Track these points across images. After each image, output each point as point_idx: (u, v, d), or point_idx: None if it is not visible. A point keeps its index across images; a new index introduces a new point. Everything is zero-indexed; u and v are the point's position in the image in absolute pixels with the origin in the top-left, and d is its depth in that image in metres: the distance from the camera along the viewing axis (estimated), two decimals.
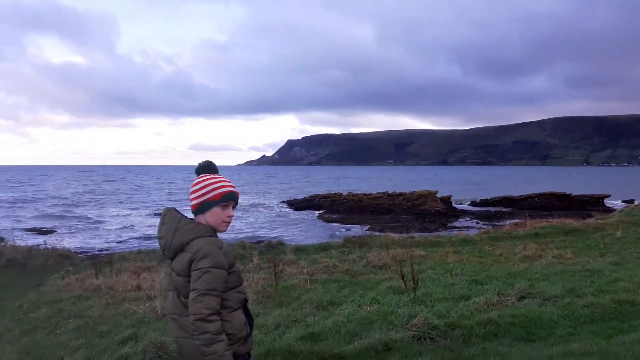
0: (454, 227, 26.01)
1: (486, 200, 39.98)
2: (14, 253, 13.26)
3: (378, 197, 35.88)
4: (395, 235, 14.54)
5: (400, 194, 35.78)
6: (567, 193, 37.63)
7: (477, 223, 28.20)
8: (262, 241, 15.22)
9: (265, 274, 9.11)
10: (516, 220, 23.45)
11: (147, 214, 35.44)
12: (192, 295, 2.14)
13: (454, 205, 36.01)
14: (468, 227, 25.54)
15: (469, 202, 40.78)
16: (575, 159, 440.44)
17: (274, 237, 18.41)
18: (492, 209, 36.36)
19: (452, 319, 5.78)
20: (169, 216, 2.35)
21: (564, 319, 5.77)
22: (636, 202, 34.63)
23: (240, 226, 27.86)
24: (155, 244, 19.65)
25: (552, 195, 37.36)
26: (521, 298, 6.67)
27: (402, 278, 7.17)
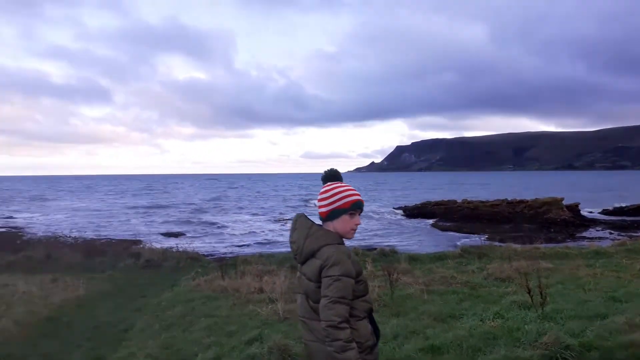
0: (584, 238, 23.89)
1: (621, 208, 36.20)
2: (151, 255, 14.73)
3: (496, 205, 34.14)
4: (517, 246, 13.76)
5: (521, 202, 33.70)
6: None
7: (611, 234, 25.63)
8: (375, 248, 15.25)
9: (379, 282, 9.11)
10: None
11: (266, 220, 37.18)
12: (323, 302, 2.21)
13: (582, 213, 33.07)
14: (600, 238, 23.31)
15: (600, 211, 37.21)
16: None
17: (387, 245, 18.32)
18: (627, 218, 32.80)
19: (588, 338, 5.32)
20: (300, 222, 2.45)
21: None
22: None
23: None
24: (275, 249, 20.61)
25: None
26: None
27: (529, 292, 6.75)
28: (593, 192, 69.35)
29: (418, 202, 42.33)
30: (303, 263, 2.38)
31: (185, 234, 28.24)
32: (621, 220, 31.28)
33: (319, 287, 2.26)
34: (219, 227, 32.37)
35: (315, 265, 2.28)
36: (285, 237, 26.90)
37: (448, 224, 31.51)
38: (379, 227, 31.46)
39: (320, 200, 2.49)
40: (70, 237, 19.85)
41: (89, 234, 24.16)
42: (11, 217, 38.78)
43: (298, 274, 2.45)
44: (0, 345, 6.73)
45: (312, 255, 2.32)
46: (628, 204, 36.94)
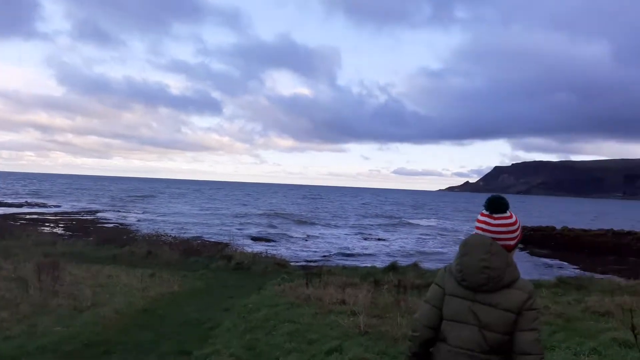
0: None
1: None
2: (242, 258, 15.39)
3: (600, 234, 31.58)
4: (621, 280, 12.66)
5: (630, 233, 30.89)
6: None
7: None
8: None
9: None
10: None
11: (353, 234, 37.34)
12: (533, 335, 2.13)
13: None
14: None
15: None
16: None
17: None
18: None
19: None
20: (497, 247, 2.22)
21: None
22: None
23: (433, 251, 27.42)
24: (358, 262, 20.61)
25: None
26: None
27: (633, 330, 6.19)
28: None
29: None
30: (492, 291, 2.17)
31: (274, 240, 29.18)
32: None
33: (516, 320, 2.14)
34: (305, 236, 33.04)
35: (516, 296, 2.15)
36: (371, 251, 26.95)
37: (544, 251, 29.66)
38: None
39: (510, 232, 2.28)
40: (170, 236, 21.25)
41: (188, 235, 25.74)
42: (123, 213, 42.43)
43: (469, 303, 2.19)
44: (100, 330, 7.38)
45: (509, 285, 2.17)
46: None
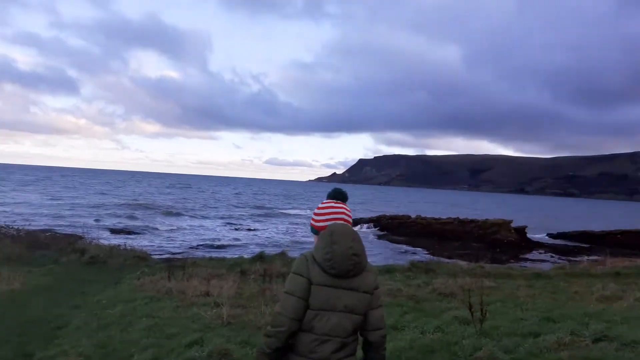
0: (527, 260, 24.82)
1: (564, 233, 37.78)
2: (97, 251, 14.27)
3: (448, 223, 35.00)
4: (463, 264, 14.14)
5: (472, 221, 34.69)
6: None
7: (552, 257, 26.71)
8: None
9: None
10: (595, 257, 22.04)
11: (221, 224, 36.75)
12: (381, 311, 2.37)
13: (528, 236, 34.33)
14: (542, 261, 24.27)
15: (545, 235, 38.73)
16: None
17: None
18: (569, 243, 34.30)
19: (520, 355, 5.54)
20: (357, 235, 2.32)
21: None
22: None
23: (304, 241, 28.22)
24: (226, 253, 20.34)
25: (639, 233, 34.59)
26: (596, 340, 6.24)
27: (470, 309, 6.95)
28: (541, 216, 72.10)
29: (373, 215, 42.85)
30: (353, 277, 2.24)
31: (135, 232, 27.57)
32: (563, 245, 32.68)
33: (370, 299, 2.28)
34: (171, 228, 31.76)
35: (370, 278, 2.29)
36: (241, 242, 26.76)
37: (400, 238, 32.06)
38: None
39: (351, 218, 2.50)
40: (12, 228, 18.97)
41: (34, 227, 23.18)
42: None
43: (336, 290, 2.22)
44: None
45: (365, 269, 2.29)
46: (571, 230, 38.58)
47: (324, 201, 2.52)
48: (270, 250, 18.33)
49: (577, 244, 33.85)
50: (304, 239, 30.12)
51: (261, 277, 9.77)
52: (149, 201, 55.60)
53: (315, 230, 2.43)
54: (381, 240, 31.30)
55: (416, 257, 20.03)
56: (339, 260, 2.18)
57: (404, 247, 28.02)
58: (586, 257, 24.25)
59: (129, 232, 27.17)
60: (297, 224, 40.55)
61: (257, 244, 25.49)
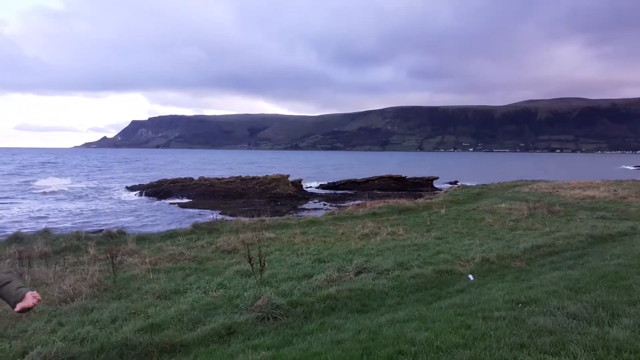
0: (304, 209, 26.94)
1: (333, 183, 42.07)
2: None
3: (231, 182, 35.59)
4: (246, 220, 14.56)
5: (254, 178, 35.94)
6: (403, 176, 41.30)
7: (325, 205, 29.56)
8: (101, 230, 14.11)
9: (102, 265, 8.48)
10: (358, 202, 25.08)
11: None
12: None
13: (304, 188, 37.26)
14: (316, 209, 26.64)
15: (318, 185, 42.53)
16: (410, 145, 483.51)
17: (116, 226, 17.20)
18: (338, 191, 38.41)
19: (295, 297, 6.00)
20: None
21: (393, 290, 6.35)
22: (459, 184, 39.43)
23: (76, 215, 25.53)
24: None
25: (390, 178, 40.69)
26: (358, 273, 7.16)
27: (250, 261, 7.22)
28: (314, 170, 78.79)
29: (154, 180, 40.99)
30: None
31: None
32: (333, 193, 36.45)
33: None
34: None
35: None
36: None
37: (184, 201, 31.48)
38: (110, 207, 29.35)
39: None
40: None
41: None
42: None
43: None
44: None
45: None
46: (339, 180, 43.16)
47: None
48: (28, 228, 16.07)
49: (344, 191, 38.10)
50: (68, 212, 27.13)
51: (18, 261, 8.48)
52: None
53: None
54: (164, 206, 30.20)
55: (200, 219, 19.93)
56: None
57: (189, 210, 27.58)
58: (351, 202, 27.50)
59: None
60: (62, 198, 36.20)
61: (15, 223, 22.04)
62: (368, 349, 3.78)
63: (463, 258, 7.89)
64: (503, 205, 16.21)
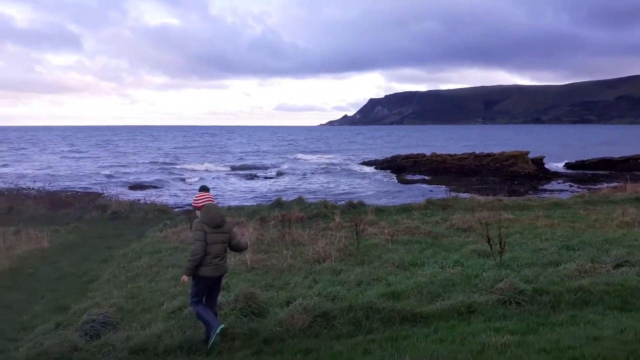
0: (546, 190, 24.70)
1: (582, 162, 37.34)
2: (118, 207, 14.55)
3: (464, 158, 34.73)
4: (481, 198, 14.13)
5: (488, 155, 34.37)
6: None
7: (571, 186, 26.54)
8: (344, 201, 15.43)
9: (346, 232, 9.29)
10: (615, 184, 21.83)
11: (239, 175, 36.98)
12: (235, 235, 5.31)
13: (546, 167, 34.01)
14: (561, 191, 24.15)
15: (563, 164, 38.34)
16: None
17: (355, 197, 18.57)
18: (588, 171, 33.94)
19: (540, 284, 5.60)
20: (218, 206, 5.43)
21: None
22: None
23: (318, 186, 28.35)
24: (245, 202, 20.64)
25: None
26: (617, 266, 6.28)
27: (488, 241, 7.00)
28: (558, 146, 71.16)
29: (388, 156, 42.70)
30: (221, 226, 4.98)
31: (155, 187, 27.92)
32: (582, 174, 32.37)
33: (230, 235, 5.11)
34: (189, 180, 32.09)
35: (227, 226, 5.11)
36: (258, 191, 27.01)
37: (416, 177, 32.04)
38: (349, 180, 31.77)
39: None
40: (34, 189, 19.36)
41: (55, 186, 23.61)
42: None
43: (216, 233, 4.96)
44: None
45: (225, 221, 5.08)
46: (590, 158, 38.10)
47: (198, 193, 8.28)
48: (287, 196, 18.51)
49: (596, 171, 33.51)
50: (319, 184, 30.20)
51: (280, 223, 9.89)
52: (163, 155, 56.02)
53: (197, 208, 6.62)
54: (397, 181, 31.32)
55: (433, 195, 20.06)
56: (214, 220, 4.92)
57: (422, 185, 28.02)
58: (606, 184, 24.09)
59: (147, 187, 27.54)
60: (314, 171, 40.53)
61: (275, 192, 25.66)
62: (635, 352, 3.32)
63: None
64: None
